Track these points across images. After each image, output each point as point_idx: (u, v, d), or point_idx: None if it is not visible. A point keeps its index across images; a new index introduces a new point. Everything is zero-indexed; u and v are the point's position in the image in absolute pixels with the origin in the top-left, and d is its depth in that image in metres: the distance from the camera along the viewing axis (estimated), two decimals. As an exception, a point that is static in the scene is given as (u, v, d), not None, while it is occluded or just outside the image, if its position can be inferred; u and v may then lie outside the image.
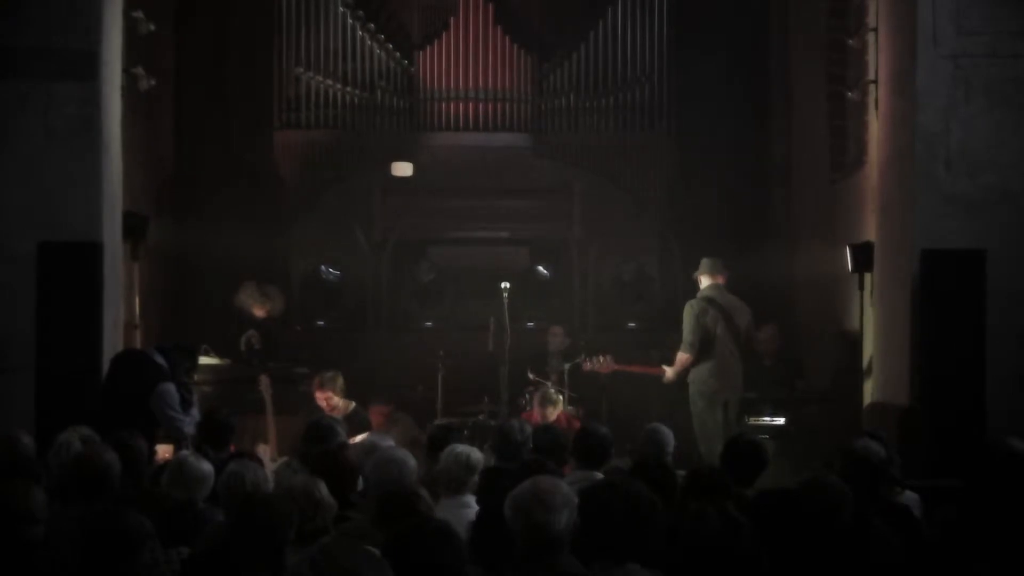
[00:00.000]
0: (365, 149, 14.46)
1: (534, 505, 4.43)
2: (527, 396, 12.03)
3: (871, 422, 10.08)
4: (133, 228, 10.67)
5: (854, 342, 11.38)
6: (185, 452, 7.55)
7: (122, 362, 9.45)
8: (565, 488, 4.57)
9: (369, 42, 14.48)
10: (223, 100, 14.87)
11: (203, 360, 11.00)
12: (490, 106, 14.41)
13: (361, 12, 14.54)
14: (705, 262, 11.89)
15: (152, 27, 11.73)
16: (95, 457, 6.23)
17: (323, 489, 5.71)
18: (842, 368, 12.12)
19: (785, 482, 6.34)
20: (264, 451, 10.76)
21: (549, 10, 15.04)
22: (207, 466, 6.56)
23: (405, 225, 14.63)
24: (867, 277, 10.80)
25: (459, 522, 5.85)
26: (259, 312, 12.84)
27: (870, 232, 10.94)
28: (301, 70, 14.30)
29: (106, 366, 9.42)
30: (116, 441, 6.73)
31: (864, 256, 10.72)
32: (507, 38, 14.49)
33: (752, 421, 11.72)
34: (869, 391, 10.85)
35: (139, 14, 11.32)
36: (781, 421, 11.87)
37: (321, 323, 14.25)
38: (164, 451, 9.00)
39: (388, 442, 7.42)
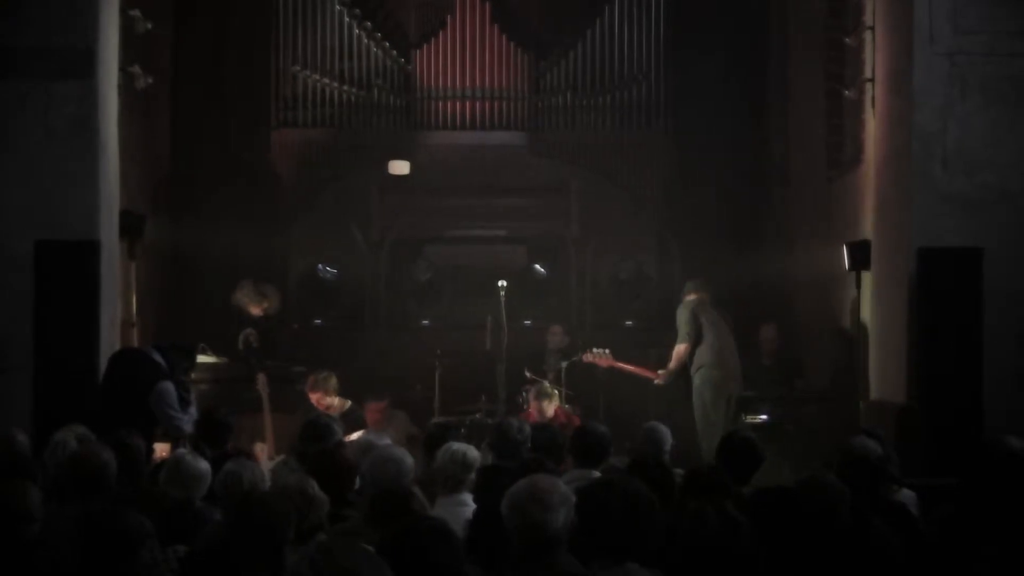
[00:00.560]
0: (362, 148, 14.45)
1: (531, 504, 4.43)
2: (524, 395, 12.03)
3: (869, 421, 10.09)
4: (130, 227, 10.68)
5: (852, 341, 11.39)
6: (182, 451, 7.56)
7: (120, 361, 9.45)
8: (562, 487, 4.57)
9: (366, 40, 14.47)
10: (220, 99, 14.86)
11: (201, 359, 10.99)
12: (487, 104, 14.40)
13: (358, 11, 14.53)
14: (690, 283, 12.02)
15: (149, 26, 11.73)
16: (91, 456, 6.22)
17: (315, 487, 5.71)
18: (840, 367, 12.13)
19: (784, 481, 6.34)
20: (261, 450, 10.77)
21: (546, 8, 15.03)
22: (204, 465, 6.56)
23: (402, 224, 14.63)
24: (864, 276, 10.80)
25: (456, 521, 5.86)
26: (256, 311, 12.84)
27: (867, 231, 10.94)
28: (298, 69, 14.29)
29: (104, 365, 9.42)
30: (113, 440, 6.73)
31: (861, 255, 10.73)
32: (504, 36, 14.48)
33: (750, 420, 11.74)
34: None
35: (136, 13, 11.31)
36: (780, 420, 11.88)
37: (319, 322, 14.25)
38: (162, 450, 9.00)
39: (385, 440, 7.43)
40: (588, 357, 12.05)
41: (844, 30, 12.20)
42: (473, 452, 6.67)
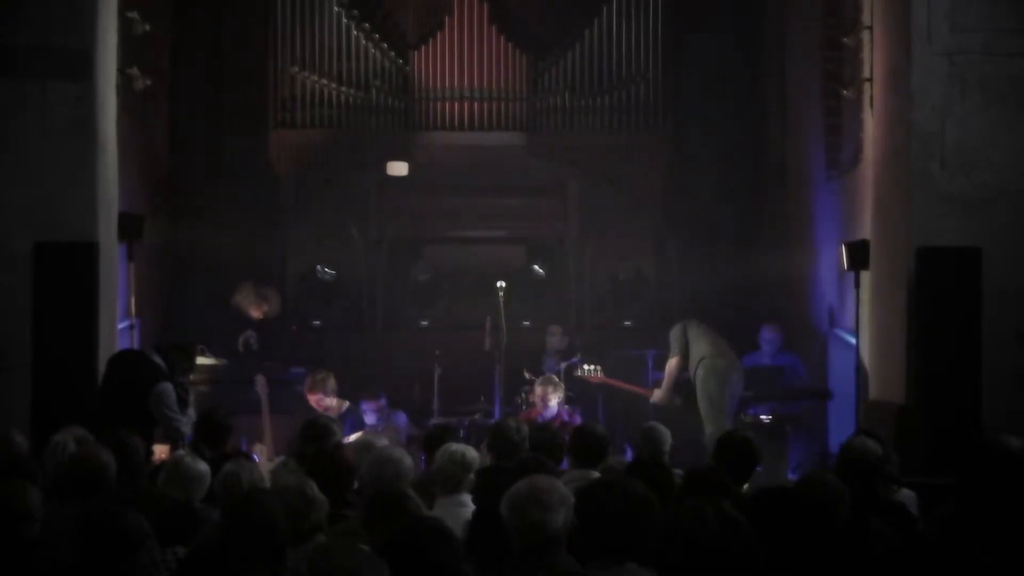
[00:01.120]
0: (360, 149, 14.45)
1: (530, 504, 4.43)
2: (523, 395, 12.04)
3: (868, 420, 10.09)
4: (129, 228, 10.66)
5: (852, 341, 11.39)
6: (181, 452, 7.55)
7: (120, 362, 9.44)
8: (562, 487, 4.57)
9: (364, 42, 14.48)
10: (218, 100, 14.87)
11: (200, 360, 11.00)
12: (485, 105, 14.41)
13: (356, 12, 14.54)
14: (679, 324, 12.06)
15: (147, 27, 11.73)
16: (91, 457, 6.22)
17: (314, 487, 5.70)
18: (841, 367, 12.14)
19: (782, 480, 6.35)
20: (261, 451, 10.77)
21: (544, 9, 15.04)
22: (203, 466, 6.55)
23: (401, 225, 14.64)
24: (864, 275, 10.80)
25: (455, 521, 5.85)
26: (255, 313, 12.85)
27: (867, 230, 10.94)
28: (296, 70, 14.30)
29: (102, 366, 9.41)
30: (112, 441, 6.72)
31: (860, 254, 10.72)
32: (502, 37, 14.49)
33: (750, 419, 11.76)
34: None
35: (134, 14, 11.31)
36: (780, 420, 11.90)
37: (317, 323, 14.25)
38: (161, 451, 9.00)
39: (383, 441, 7.43)
40: (579, 374, 12.12)
41: (842, 30, 12.20)
42: (472, 452, 6.66)
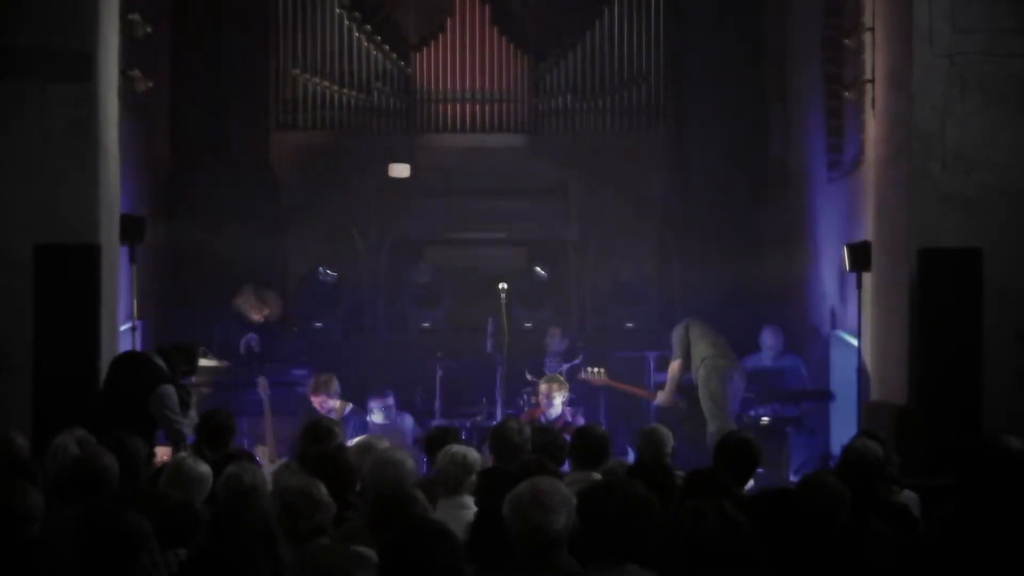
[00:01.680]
0: (362, 151, 14.45)
1: (532, 506, 4.42)
2: (525, 397, 12.04)
3: (870, 421, 10.09)
4: (130, 230, 10.67)
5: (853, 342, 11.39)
6: (183, 454, 7.55)
7: (122, 364, 9.45)
8: (564, 489, 4.57)
9: (366, 43, 14.48)
10: (220, 102, 14.87)
11: (201, 362, 11.00)
12: (487, 107, 14.41)
13: (357, 13, 14.54)
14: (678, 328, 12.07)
15: (149, 29, 11.73)
16: (92, 459, 6.22)
17: (322, 489, 5.71)
18: (841, 368, 12.14)
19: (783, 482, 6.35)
20: (263, 452, 10.77)
21: (546, 10, 15.03)
22: (205, 468, 6.56)
23: (403, 226, 14.64)
24: (865, 276, 10.81)
25: (457, 523, 5.86)
26: (256, 317, 12.86)
27: (868, 231, 10.95)
28: (298, 72, 14.30)
29: (104, 368, 9.42)
30: (114, 442, 6.72)
31: (861, 255, 10.73)
32: (503, 39, 14.49)
33: (751, 420, 11.75)
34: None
35: (136, 16, 11.31)
36: (781, 421, 11.90)
37: (319, 325, 14.24)
38: (163, 453, 9.00)
39: (384, 443, 7.42)
40: (583, 376, 12.13)
41: (843, 31, 12.21)
42: (473, 454, 6.66)
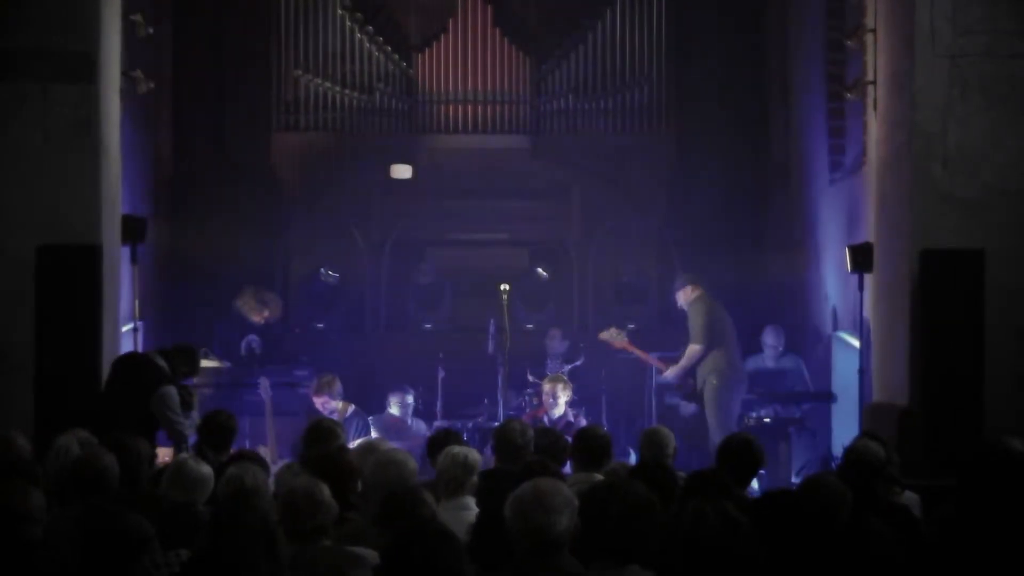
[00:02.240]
0: (364, 151, 14.47)
1: (534, 507, 4.42)
2: (527, 398, 12.05)
3: (871, 423, 10.08)
4: (132, 230, 10.67)
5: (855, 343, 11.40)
6: (185, 455, 7.55)
7: (123, 365, 9.44)
8: (566, 490, 4.56)
9: (367, 44, 14.49)
10: (221, 103, 14.89)
11: (203, 363, 11.01)
12: (489, 108, 14.42)
13: (359, 14, 14.55)
14: (686, 275, 11.97)
15: (150, 30, 11.74)
16: (94, 460, 6.22)
17: (324, 490, 5.70)
18: (843, 369, 12.14)
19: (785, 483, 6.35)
20: (264, 453, 10.76)
21: (547, 11, 15.04)
22: (206, 469, 6.55)
23: (404, 227, 14.64)
24: (867, 278, 10.80)
25: (458, 524, 5.86)
26: (256, 318, 12.86)
27: (870, 232, 10.94)
28: (300, 72, 14.31)
29: (105, 369, 9.42)
30: (115, 443, 6.72)
31: (863, 257, 10.72)
32: (505, 40, 14.50)
33: (753, 421, 11.75)
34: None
35: (137, 17, 11.32)
36: (782, 422, 11.90)
37: (320, 325, 14.26)
38: (164, 454, 9.00)
39: (387, 444, 7.42)
40: (604, 336, 12.07)
41: (845, 32, 12.21)
42: (474, 455, 6.66)
